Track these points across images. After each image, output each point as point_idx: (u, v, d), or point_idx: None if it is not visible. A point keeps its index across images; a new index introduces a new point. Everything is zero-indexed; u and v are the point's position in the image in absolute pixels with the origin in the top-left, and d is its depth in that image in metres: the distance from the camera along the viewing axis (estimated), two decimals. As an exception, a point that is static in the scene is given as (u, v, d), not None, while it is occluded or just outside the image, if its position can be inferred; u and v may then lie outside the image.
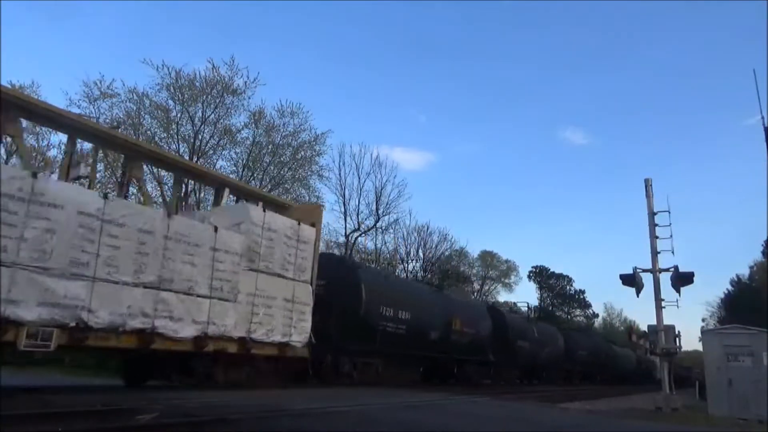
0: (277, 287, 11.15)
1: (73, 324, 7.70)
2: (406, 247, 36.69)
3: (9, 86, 24.44)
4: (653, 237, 16.08)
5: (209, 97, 24.15)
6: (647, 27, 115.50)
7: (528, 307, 38.72)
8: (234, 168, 25.56)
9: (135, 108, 23.32)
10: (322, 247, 29.18)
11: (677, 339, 16.20)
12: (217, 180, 13.57)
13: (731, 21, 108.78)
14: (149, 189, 23.12)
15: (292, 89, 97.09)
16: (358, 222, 30.71)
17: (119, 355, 10.40)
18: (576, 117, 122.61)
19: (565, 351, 31.72)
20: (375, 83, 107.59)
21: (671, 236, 15.94)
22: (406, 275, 34.51)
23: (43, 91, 32.88)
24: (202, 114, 24.09)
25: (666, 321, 15.70)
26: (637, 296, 15.90)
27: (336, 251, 30.06)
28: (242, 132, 25.59)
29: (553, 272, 69.72)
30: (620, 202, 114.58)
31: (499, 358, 23.26)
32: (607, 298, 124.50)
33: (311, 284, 12.18)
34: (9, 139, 9.36)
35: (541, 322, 35.36)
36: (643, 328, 19.98)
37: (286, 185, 26.34)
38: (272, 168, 25.80)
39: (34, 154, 22.71)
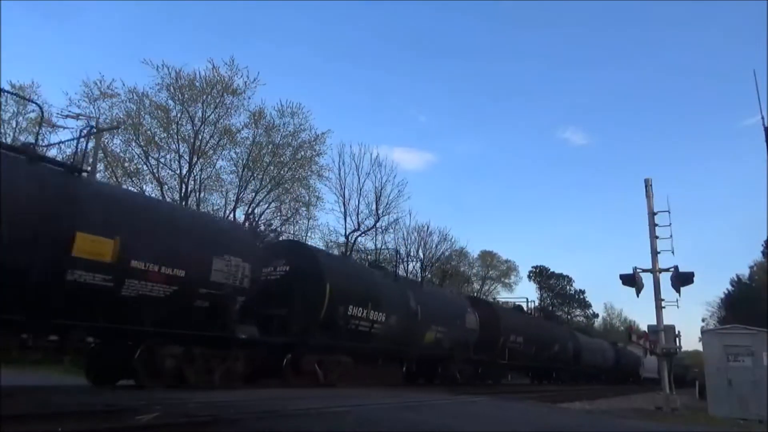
0: None
1: None
2: (406, 247, 36.70)
3: (9, 86, 24.62)
4: (653, 237, 16.07)
5: (209, 97, 24.19)
6: (647, 27, 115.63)
7: (527, 301, 34.89)
8: (234, 168, 25.61)
9: (135, 108, 23.40)
10: (320, 246, 29.31)
11: (677, 339, 16.22)
12: None
13: (731, 21, 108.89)
14: (149, 189, 23.26)
15: (292, 89, 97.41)
16: (358, 222, 30.71)
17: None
18: (576, 117, 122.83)
19: (480, 336, 21.00)
20: (375, 83, 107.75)
21: (671, 236, 15.95)
22: (406, 274, 34.37)
23: (43, 91, 33.00)
24: (202, 114, 24.13)
25: (666, 321, 15.70)
26: (637, 296, 15.90)
27: (336, 251, 30.06)
28: (242, 132, 25.65)
29: (553, 272, 69.95)
30: (620, 202, 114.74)
31: (289, 337, 12.94)
32: (607, 298, 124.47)
33: None
34: None
35: (440, 287, 28.52)
36: (643, 328, 19.89)
37: (286, 185, 26.37)
38: (272, 168, 25.83)
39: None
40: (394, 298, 16.64)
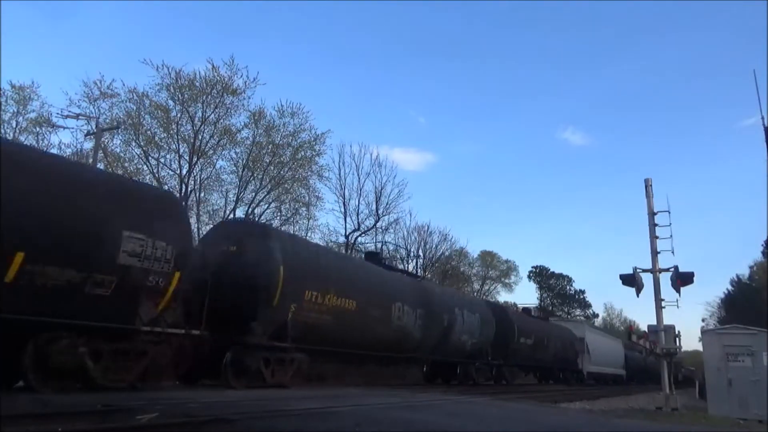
0: None
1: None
2: (407, 247, 36.72)
3: (9, 86, 24.63)
4: (653, 237, 16.08)
5: (209, 97, 24.18)
6: (647, 27, 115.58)
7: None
8: (234, 168, 25.62)
9: (135, 108, 23.40)
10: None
11: (677, 339, 16.22)
12: None
13: (731, 21, 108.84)
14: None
15: (292, 89, 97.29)
16: (358, 222, 30.73)
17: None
18: (576, 117, 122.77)
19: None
20: (375, 83, 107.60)
21: (671, 236, 15.97)
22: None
23: (43, 91, 33.00)
24: (202, 114, 24.13)
25: (666, 321, 15.71)
26: (637, 296, 15.93)
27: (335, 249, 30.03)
28: (242, 132, 25.64)
29: (553, 272, 69.94)
30: (620, 202, 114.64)
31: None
32: (607, 298, 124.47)
33: None
34: None
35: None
36: (643, 328, 19.91)
37: (286, 185, 26.37)
38: (272, 168, 25.83)
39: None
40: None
